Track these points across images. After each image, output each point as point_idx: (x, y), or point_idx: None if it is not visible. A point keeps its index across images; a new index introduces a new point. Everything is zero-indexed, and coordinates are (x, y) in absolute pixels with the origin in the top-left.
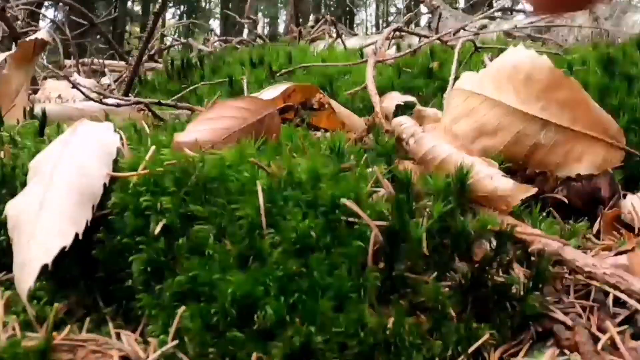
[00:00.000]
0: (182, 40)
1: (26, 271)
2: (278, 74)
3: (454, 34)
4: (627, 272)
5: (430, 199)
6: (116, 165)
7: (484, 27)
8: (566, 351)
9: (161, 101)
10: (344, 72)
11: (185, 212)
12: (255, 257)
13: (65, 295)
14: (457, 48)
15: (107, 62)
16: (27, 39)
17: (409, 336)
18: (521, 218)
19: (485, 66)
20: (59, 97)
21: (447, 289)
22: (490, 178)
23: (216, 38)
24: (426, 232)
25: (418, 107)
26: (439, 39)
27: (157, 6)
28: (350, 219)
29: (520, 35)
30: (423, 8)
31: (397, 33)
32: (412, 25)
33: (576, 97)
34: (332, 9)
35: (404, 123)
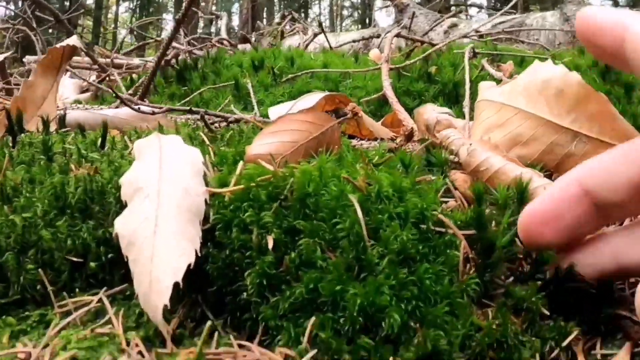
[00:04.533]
0: (156, 37)
1: (156, 289)
2: (284, 79)
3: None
4: None
5: (494, 209)
6: (205, 181)
7: (454, 25)
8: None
9: (192, 109)
10: (344, 76)
11: (288, 226)
12: (363, 267)
13: (174, 309)
14: (466, 57)
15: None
16: (57, 45)
17: (514, 335)
18: None
19: (486, 72)
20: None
21: (535, 290)
22: (543, 188)
23: (184, 37)
24: (507, 243)
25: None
26: (431, 44)
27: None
28: (437, 229)
29: (496, 33)
30: (377, 2)
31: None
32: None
33: (604, 110)
34: (287, 1)
35: (451, 135)
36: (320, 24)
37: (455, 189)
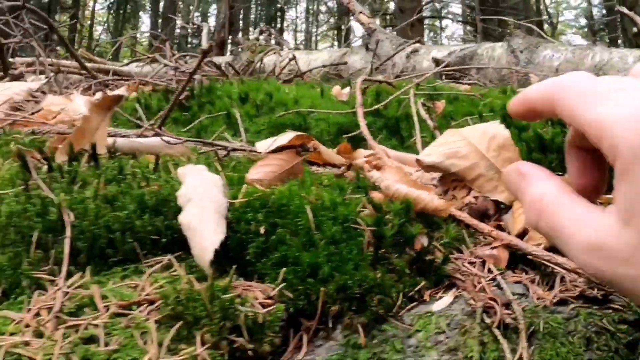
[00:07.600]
0: (149, 55)
1: (206, 252)
2: (263, 111)
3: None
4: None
5: (391, 215)
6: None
7: (415, 51)
8: (461, 290)
9: (204, 140)
10: (312, 108)
11: (272, 221)
12: (312, 244)
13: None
14: (412, 97)
15: (61, 61)
16: (110, 93)
17: (389, 283)
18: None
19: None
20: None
21: (404, 262)
22: (432, 200)
23: (174, 53)
24: (392, 235)
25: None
26: (388, 82)
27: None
28: (354, 226)
29: (446, 61)
30: (353, 20)
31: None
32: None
33: (514, 157)
34: (264, 8)
35: (374, 176)
36: (270, 35)
37: (370, 203)
